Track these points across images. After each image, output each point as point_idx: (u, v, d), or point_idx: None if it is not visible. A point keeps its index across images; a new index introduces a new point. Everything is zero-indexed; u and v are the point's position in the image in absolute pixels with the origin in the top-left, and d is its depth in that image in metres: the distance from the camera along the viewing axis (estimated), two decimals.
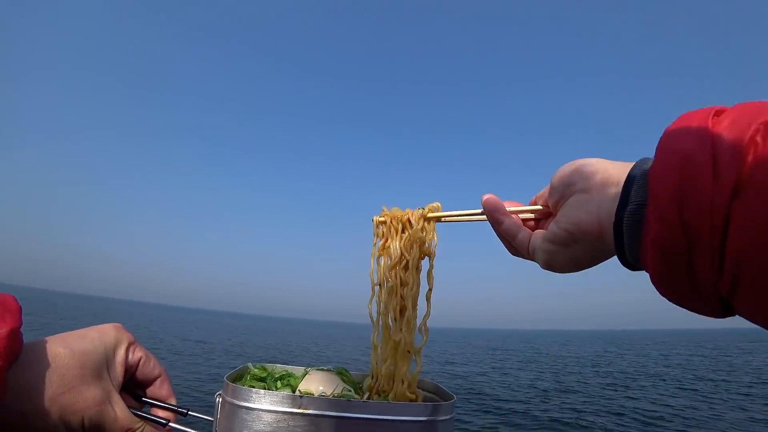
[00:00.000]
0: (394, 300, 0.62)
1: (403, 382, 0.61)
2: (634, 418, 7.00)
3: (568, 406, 8.07)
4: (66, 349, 0.41)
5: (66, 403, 0.39)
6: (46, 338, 0.42)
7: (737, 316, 0.34)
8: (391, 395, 0.60)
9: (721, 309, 0.33)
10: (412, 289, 0.62)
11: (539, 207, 0.53)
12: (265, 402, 0.52)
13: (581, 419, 6.84)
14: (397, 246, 0.62)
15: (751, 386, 10.77)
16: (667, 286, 0.35)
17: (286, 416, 0.51)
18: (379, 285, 0.63)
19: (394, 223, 0.63)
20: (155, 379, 0.50)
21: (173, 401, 0.51)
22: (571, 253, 0.45)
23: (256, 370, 0.64)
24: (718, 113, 0.33)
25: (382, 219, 0.64)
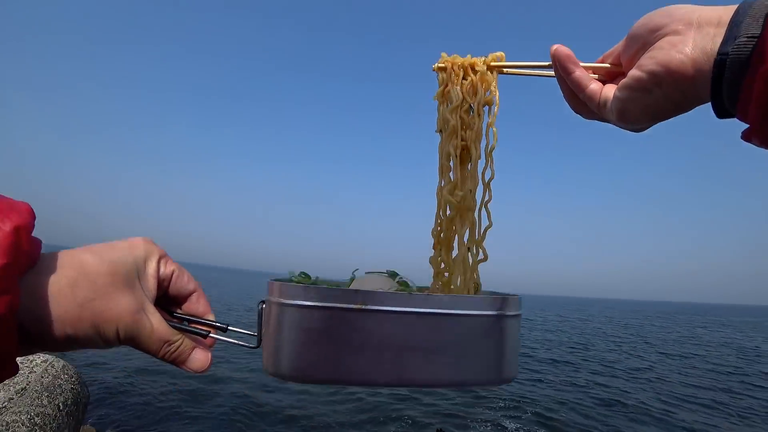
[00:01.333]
0: (454, 141, 0.58)
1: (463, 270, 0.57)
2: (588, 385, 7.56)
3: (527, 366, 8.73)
4: (95, 256, 0.37)
5: (98, 310, 0.35)
6: (71, 249, 0.38)
7: None
8: (453, 285, 0.56)
9: None
10: (474, 131, 0.58)
11: (607, 65, 0.50)
12: (317, 298, 0.48)
13: (538, 385, 7.36)
14: (459, 90, 0.58)
15: (691, 357, 11.87)
16: None
17: (341, 313, 0.47)
18: (440, 131, 0.60)
19: (455, 68, 0.59)
20: (190, 294, 0.46)
21: (211, 317, 0.47)
22: (652, 100, 0.42)
23: (300, 277, 0.60)
24: None
25: (441, 65, 0.60)
